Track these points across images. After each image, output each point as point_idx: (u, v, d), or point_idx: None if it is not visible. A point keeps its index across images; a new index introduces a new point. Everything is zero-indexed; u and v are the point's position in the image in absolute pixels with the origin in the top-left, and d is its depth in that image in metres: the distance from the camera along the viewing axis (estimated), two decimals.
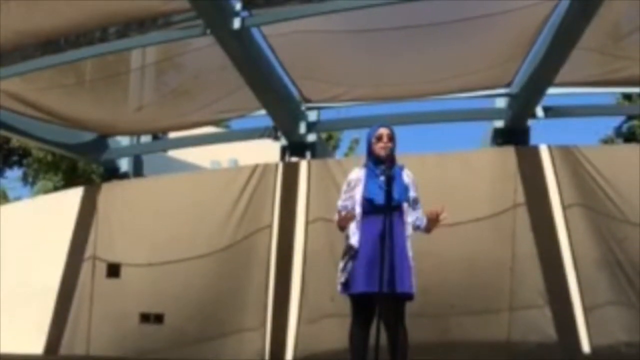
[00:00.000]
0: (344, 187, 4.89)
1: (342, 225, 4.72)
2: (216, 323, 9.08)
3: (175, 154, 14.21)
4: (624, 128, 19.97)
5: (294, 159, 9.71)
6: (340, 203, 4.85)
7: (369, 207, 4.65)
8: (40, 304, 9.69)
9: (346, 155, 21.07)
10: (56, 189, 17.49)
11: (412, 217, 4.79)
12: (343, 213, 4.68)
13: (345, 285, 4.72)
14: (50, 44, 7.95)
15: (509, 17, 7.14)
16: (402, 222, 4.69)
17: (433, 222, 4.77)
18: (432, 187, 7.59)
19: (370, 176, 4.76)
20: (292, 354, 8.68)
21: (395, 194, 4.58)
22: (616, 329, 7.92)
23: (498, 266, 8.24)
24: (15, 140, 18.61)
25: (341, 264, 4.76)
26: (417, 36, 7.73)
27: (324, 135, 15.33)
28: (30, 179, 20.23)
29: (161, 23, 7.62)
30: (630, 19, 7.34)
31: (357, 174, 4.86)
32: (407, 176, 4.86)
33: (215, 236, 9.25)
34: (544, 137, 9.31)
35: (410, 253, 4.69)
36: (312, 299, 8.64)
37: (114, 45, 7.87)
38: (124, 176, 11.00)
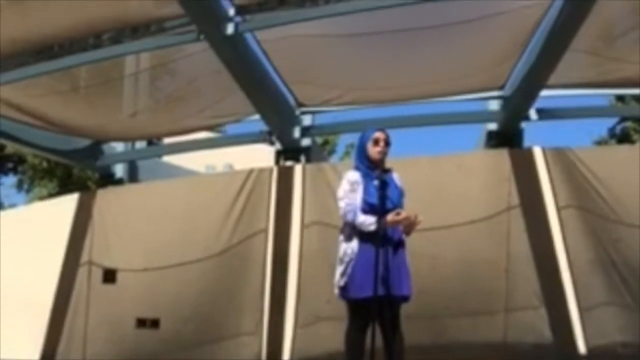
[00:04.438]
0: (347, 187, 4.76)
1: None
2: (212, 327, 9.07)
3: (170, 159, 14.19)
4: (618, 129, 20.02)
5: (288, 164, 9.70)
6: (346, 201, 4.71)
7: (370, 211, 4.61)
8: (36, 310, 9.65)
9: (342, 160, 21.08)
10: (51, 195, 17.44)
11: None
12: (399, 217, 4.56)
13: (344, 290, 4.69)
14: (44, 50, 7.94)
15: (502, 20, 7.16)
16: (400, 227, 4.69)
17: (409, 227, 4.69)
18: (426, 189, 7.68)
19: (367, 180, 4.71)
20: (288, 357, 8.69)
21: (394, 199, 4.59)
22: (612, 329, 7.93)
23: (493, 268, 8.24)
24: (10, 147, 18.56)
25: (340, 268, 4.70)
26: (410, 39, 7.75)
27: (320, 140, 15.34)
28: (25, 186, 20.19)
29: (154, 29, 7.62)
30: (622, 20, 7.38)
31: (356, 176, 4.79)
32: (398, 180, 4.85)
33: (211, 240, 9.23)
34: (538, 139, 9.29)
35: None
36: (308, 302, 8.65)
37: (108, 51, 7.87)
38: (119, 182, 10.97)
